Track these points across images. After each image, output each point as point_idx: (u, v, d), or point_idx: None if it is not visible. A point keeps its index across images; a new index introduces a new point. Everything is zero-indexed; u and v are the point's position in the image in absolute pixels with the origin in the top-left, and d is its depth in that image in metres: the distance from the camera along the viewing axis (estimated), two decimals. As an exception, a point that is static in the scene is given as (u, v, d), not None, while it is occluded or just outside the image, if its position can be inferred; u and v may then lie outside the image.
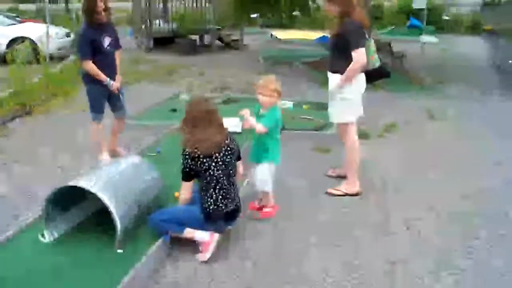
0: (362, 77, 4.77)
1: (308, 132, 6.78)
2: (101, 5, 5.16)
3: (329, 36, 5.08)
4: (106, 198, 3.50)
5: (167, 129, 6.58)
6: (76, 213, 4.04)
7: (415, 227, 4.33)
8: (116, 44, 5.55)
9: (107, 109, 5.69)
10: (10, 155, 6.04)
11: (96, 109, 5.54)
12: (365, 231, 4.25)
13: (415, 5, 15.47)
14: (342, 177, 5.20)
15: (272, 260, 3.77)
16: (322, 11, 13.69)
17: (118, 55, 5.63)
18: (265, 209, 4.44)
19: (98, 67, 5.28)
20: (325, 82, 4.90)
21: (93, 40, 5.22)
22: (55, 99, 8.74)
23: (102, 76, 5.32)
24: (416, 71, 12.31)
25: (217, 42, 17.83)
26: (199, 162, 3.66)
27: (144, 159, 4.49)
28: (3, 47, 13.00)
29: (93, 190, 3.53)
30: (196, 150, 3.65)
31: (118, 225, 3.51)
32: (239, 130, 6.71)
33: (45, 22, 12.67)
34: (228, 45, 17.79)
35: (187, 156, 3.69)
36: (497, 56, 15.07)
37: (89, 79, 5.37)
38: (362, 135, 6.32)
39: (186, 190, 3.83)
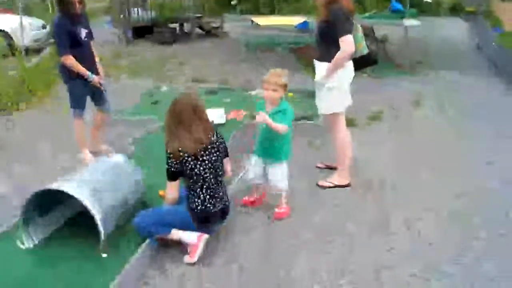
0: (350, 65, 4.62)
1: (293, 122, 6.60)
2: None
3: (315, 22, 4.90)
4: (88, 202, 3.33)
5: (150, 123, 6.40)
6: (56, 215, 3.87)
7: (410, 223, 4.23)
8: (90, 35, 5.33)
9: (89, 103, 5.48)
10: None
11: (78, 105, 5.31)
12: (357, 228, 4.13)
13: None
14: (332, 168, 5.08)
15: (262, 261, 3.63)
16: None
17: (93, 46, 5.42)
18: (278, 210, 4.28)
19: (78, 61, 5.06)
20: (309, 69, 4.74)
21: (70, 31, 5.00)
22: (31, 96, 8.44)
23: (84, 71, 5.11)
24: (399, 55, 12.23)
25: (198, 30, 17.55)
26: (184, 161, 3.50)
27: (127, 156, 4.32)
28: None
29: (74, 193, 3.35)
30: (180, 149, 3.48)
31: (102, 230, 3.35)
32: (223, 121, 6.58)
33: (17, 13, 12.28)
34: (209, 33, 17.53)
35: (171, 155, 3.51)
36: (480, 38, 15.03)
37: (69, 75, 5.14)
38: (349, 123, 6.21)
39: (172, 190, 3.66)
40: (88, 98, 5.43)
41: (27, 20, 12.93)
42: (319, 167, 5.27)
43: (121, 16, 16.16)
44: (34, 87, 8.61)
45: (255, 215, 4.29)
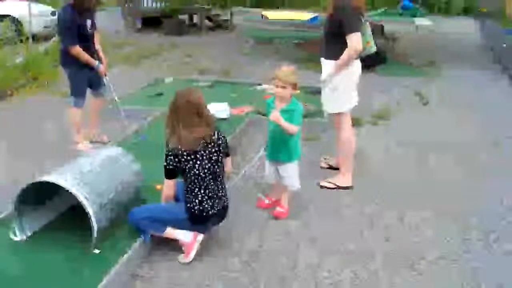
0: (357, 64, 4.51)
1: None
2: None
3: (322, 19, 4.79)
4: (81, 196, 3.24)
5: (152, 115, 6.32)
6: (51, 208, 3.77)
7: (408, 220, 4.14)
8: (94, 27, 5.41)
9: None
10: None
11: (79, 94, 5.38)
12: (358, 226, 4.05)
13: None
14: (334, 169, 4.99)
15: (260, 261, 3.54)
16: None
17: (97, 37, 5.51)
18: (279, 209, 4.19)
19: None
20: (316, 65, 4.64)
21: (79, 25, 5.09)
22: (35, 83, 8.38)
23: (91, 60, 5.25)
24: (409, 54, 12.09)
25: (207, 22, 17.47)
26: (182, 160, 3.39)
27: (126, 148, 4.23)
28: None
29: (67, 186, 3.27)
30: (179, 147, 3.38)
31: (95, 225, 3.26)
32: (226, 116, 6.48)
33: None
34: (218, 26, 17.44)
35: (170, 153, 3.41)
36: (490, 39, 14.86)
37: (71, 63, 5.21)
38: (355, 122, 6.12)
39: (169, 188, 3.57)
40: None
41: (36, 7, 12.89)
42: (321, 167, 5.17)
43: (130, 5, 16.12)
44: (39, 73, 8.55)
45: (253, 213, 4.20)
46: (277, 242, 3.79)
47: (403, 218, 4.21)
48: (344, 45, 4.25)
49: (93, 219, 3.25)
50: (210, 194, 3.49)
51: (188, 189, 3.47)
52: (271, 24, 18.23)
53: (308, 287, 3.28)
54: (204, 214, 3.48)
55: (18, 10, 12.84)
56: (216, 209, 3.52)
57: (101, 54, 5.48)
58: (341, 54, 4.29)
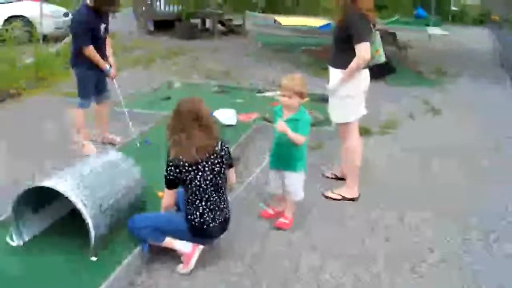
0: (365, 73, 4.43)
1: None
2: None
3: (333, 26, 4.72)
4: (80, 203, 3.19)
5: (158, 119, 6.27)
6: (49, 213, 3.73)
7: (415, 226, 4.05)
8: (107, 31, 5.43)
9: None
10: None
11: (87, 95, 5.41)
12: (364, 238, 3.97)
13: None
14: (339, 179, 4.91)
15: (259, 272, 3.47)
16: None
17: (109, 40, 5.52)
18: (282, 220, 4.10)
19: None
20: (325, 73, 4.58)
21: (93, 28, 5.13)
22: (44, 84, 8.38)
23: (103, 63, 5.26)
24: (420, 63, 11.97)
25: (219, 27, 17.45)
26: (183, 171, 3.31)
27: (130, 152, 4.18)
28: (-2, 26, 12.58)
29: (65, 192, 3.22)
30: (181, 158, 3.31)
31: (92, 232, 3.21)
32: (234, 122, 6.43)
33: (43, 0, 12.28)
34: (230, 30, 17.42)
35: (171, 164, 3.33)
36: (503, 48, 14.70)
37: (82, 64, 5.23)
38: (363, 132, 6.04)
39: (169, 198, 3.50)
40: None
41: (49, 8, 12.94)
42: (327, 177, 5.09)
43: (143, 7, 16.15)
44: (49, 74, 8.55)
45: (256, 224, 4.13)
46: (279, 253, 3.71)
47: (402, 218, 4.22)
48: (352, 54, 4.17)
49: (91, 226, 3.19)
50: (211, 207, 3.40)
51: (189, 200, 3.39)
52: (284, 30, 18.17)
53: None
54: (205, 226, 3.40)
55: (30, 10, 12.89)
56: (217, 221, 3.44)
57: (111, 58, 5.48)
58: (349, 63, 4.22)
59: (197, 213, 3.37)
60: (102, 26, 5.26)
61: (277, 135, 3.94)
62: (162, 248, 3.46)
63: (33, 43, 10.04)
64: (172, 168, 3.32)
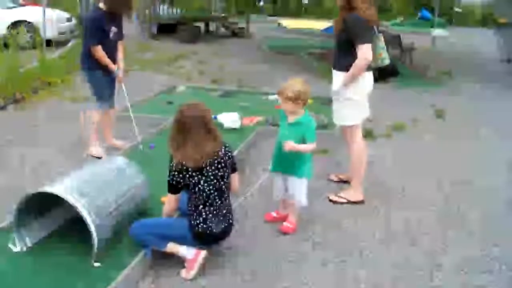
0: (369, 76, 4.40)
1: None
2: None
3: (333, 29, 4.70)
4: (82, 208, 3.16)
5: (162, 123, 6.25)
6: (52, 218, 3.70)
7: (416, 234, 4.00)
8: (120, 35, 5.43)
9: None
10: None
11: (103, 97, 5.42)
12: (369, 243, 3.93)
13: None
14: (345, 182, 4.87)
15: (265, 276, 3.43)
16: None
17: (121, 45, 5.50)
18: (286, 224, 4.06)
19: None
20: (329, 75, 4.56)
21: (104, 29, 5.13)
22: (48, 88, 8.37)
23: (112, 65, 5.26)
24: (425, 65, 11.93)
25: (223, 30, 17.46)
26: (187, 176, 3.28)
27: (134, 157, 4.16)
28: (2, 31, 12.56)
29: (68, 198, 3.19)
30: (184, 163, 3.28)
31: (95, 238, 3.18)
32: (237, 126, 6.40)
33: (47, 5, 12.28)
34: (234, 34, 17.42)
35: (174, 169, 3.30)
36: (509, 51, 14.61)
37: (93, 65, 5.23)
38: (367, 135, 6.02)
39: (171, 203, 3.47)
40: None
41: (53, 13, 12.95)
42: (332, 180, 5.06)
43: (146, 11, 16.16)
44: (50, 78, 8.55)
45: (260, 229, 4.09)
46: (284, 257, 3.67)
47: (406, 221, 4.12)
48: (354, 56, 4.16)
49: (93, 232, 3.17)
50: (215, 212, 3.37)
51: (193, 205, 3.36)
52: (288, 33, 18.18)
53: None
54: (208, 232, 3.36)
55: (34, 15, 12.90)
56: (220, 227, 3.41)
57: (121, 62, 5.46)
58: (351, 66, 4.20)
59: (201, 218, 3.34)
60: (113, 29, 5.23)
61: (280, 139, 3.91)
62: (165, 254, 3.42)
63: (36, 48, 10.04)
64: (176, 173, 3.29)
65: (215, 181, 3.34)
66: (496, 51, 15.54)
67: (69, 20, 14.13)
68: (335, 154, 5.68)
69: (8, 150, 5.60)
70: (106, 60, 5.18)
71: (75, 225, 3.53)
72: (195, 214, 3.36)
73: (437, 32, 15.17)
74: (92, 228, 3.17)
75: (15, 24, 12.64)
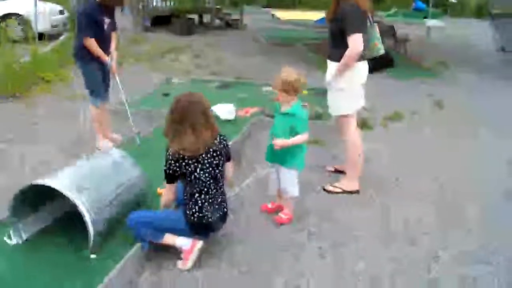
0: (363, 65, 4.39)
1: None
2: None
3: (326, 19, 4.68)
4: (78, 201, 3.15)
5: (158, 116, 6.22)
6: (49, 211, 3.69)
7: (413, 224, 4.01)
8: (113, 26, 5.40)
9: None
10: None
11: (97, 92, 5.39)
12: (365, 233, 3.94)
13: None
14: (341, 172, 4.87)
15: (262, 267, 3.44)
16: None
17: (114, 37, 5.47)
18: (281, 215, 4.06)
19: None
20: (325, 66, 4.55)
21: (97, 21, 5.10)
22: (42, 83, 8.31)
23: (104, 57, 5.22)
24: (420, 56, 11.92)
25: (217, 21, 17.40)
26: (183, 164, 3.28)
27: (130, 150, 4.14)
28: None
29: (64, 190, 3.18)
30: (181, 152, 3.27)
31: (91, 231, 3.17)
32: (232, 117, 6.39)
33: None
34: (228, 25, 17.36)
35: (170, 157, 3.30)
36: (504, 41, 14.61)
37: (86, 58, 5.19)
38: (363, 125, 6.02)
39: (169, 192, 3.47)
40: None
41: (45, 5, 12.84)
42: (328, 170, 5.06)
43: (140, 3, 16.07)
44: (44, 73, 8.49)
45: (256, 219, 4.09)
46: (280, 248, 3.68)
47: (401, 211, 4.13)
48: (346, 46, 4.15)
49: (89, 224, 3.16)
50: (210, 200, 3.38)
51: (188, 194, 3.37)
52: (282, 24, 18.13)
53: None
54: (204, 221, 3.38)
55: (25, 8, 12.76)
56: (216, 216, 3.43)
57: (114, 54, 5.42)
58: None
59: (196, 207, 3.35)
60: (107, 21, 5.21)
61: (273, 130, 3.93)
62: (162, 245, 3.42)
63: (28, 42, 9.94)
64: (172, 162, 3.29)
65: (210, 169, 3.35)
66: (491, 42, 15.53)
67: (61, 12, 14.00)
68: (330, 145, 5.67)
69: (9, 148, 5.54)
70: (99, 52, 5.14)
71: (71, 218, 3.53)
72: (190, 203, 3.36)
73: (432, 22, 15.15)
74: (89, 221, 3.16)
75: (5, 17, 12.51)
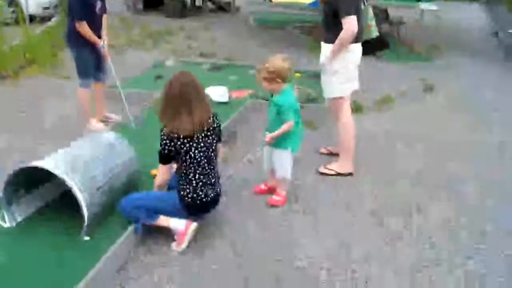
0: (357, 48, 4.38)
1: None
2: None
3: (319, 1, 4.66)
4: (72, 182, 3.15)
5: (151, 98, 6.20)
6: (42, 194, 3.69)
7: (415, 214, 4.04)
8: (104, 9, 5.39)
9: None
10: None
11: (86, 75, 5.37)
12: (359, 213, 3.98)
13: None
14: (335, 155, 4.88)
15: (255, 249, 3.46)
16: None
17: (105, 19, 5.45)
18: (275, 197, 4.08)
19: None
20: (318, 49, 4.54)
21: (89, 4, 5.08)
22: (33, 65, 8.23)
23: (97, 40, 5.20)
24: (413, 39, 11.88)
25: (209, 4, 17.25)
26: (178, 143, 3.28)
27: (122, 133, 4.13)
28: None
29: (57, 172, 3.17)
30: (176, 131, 3.27)
31: (85, 212, 3.18)
32: (225, 100, 6.37)
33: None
34: (220, 8, 17.22)
35: (165, 137, 3.30)
36: (497, 25, 14.60)
37: (78, 42, 5.16)
38: (356, 108, 6.02)
39: (163, 174, 3.47)
40: None
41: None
42: (322, 153, 5.06)
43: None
44: (36, 56, 8.40)
45: (249, 200, 4.11)
46: (274, 230, 3.70)
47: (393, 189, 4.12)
48: (340, 29, 4.13)
49: (83, 205, 3.17)
50: (204, 180, 3.39)
51: (183, 174, 3.38)
52: (274, 7, 17.98)
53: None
54: (198, 202, 3.39)
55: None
56: (209, 196, 3.44)
57: (105, 37, 5.41)
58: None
59: (191, 187, 3.36)
60: (98, 4, 5.20)
61: (268, 113, 3.95)
62: (155, 227, 3.43)
63: (20, 24, 9.81)
64: (167, 142, 3.29)
65: (205, 148, 3.36)
66: (485, 26, 15.51)
67: (53, -6, 13.81)
68: (323, 128, 5.68)
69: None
70: (91, 35, 5.12)
71: (65, 201, 3.53)
72: (185, 184, 3.37)
73: (425, 5, 15.05)
74: (83, 203, 3.16)
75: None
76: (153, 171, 3.96)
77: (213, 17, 15.26)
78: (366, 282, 3.18)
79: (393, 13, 12.31)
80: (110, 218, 3.53)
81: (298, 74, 7.58)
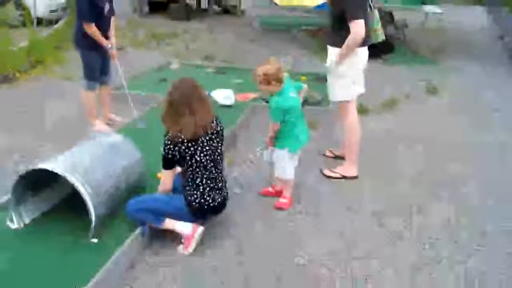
0: (363, 51, 4.39)
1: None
2: None
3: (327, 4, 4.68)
4: (79, 184, 3.17)
5: (156, 101, 6.23)
6: (49, 195, 3.71)
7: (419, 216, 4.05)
8: (112, 11, 5.43)
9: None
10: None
11: (92, 77, 5.41)
12: (364, 216, 3.99)
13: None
14: (340, 158, 4.90)
15: (262, 251, 3.48)
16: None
17: (113, 21, 5.49)
18: (281, 200, 4.10)
19: None
20: (323, 52, 4.56)
21: (98, 6, 5.11)
22: (39, 66, 8.29)
23: (105, 41, 5.24)
24: (418, 42, 11.90)
25: (215, 7, 17.31)
26: (183, 148, 3.29)
27: (127, 135, 4.16)
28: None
29: (64, 174, 3.20)
30: (180, 135, 3.28)
31: (93, 213, 3.20)
32: (230, 102, 6.40)
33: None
34: (226, 11, 17.28)
35: (169, 142, 3.30)
36: (501, 29, 14.59)
37: (86, 43, 5.20)
38: (362, 111, 6.04)
39: (167, 180, 3.47)
40: None
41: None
42: (327, 156, 5.08)
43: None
44: (41, 57, 8.46)
45: (255, 204, 4.13)
46: (281, 233, 3.72)
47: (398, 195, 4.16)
48: (348, 32, 4.14)
49: (91, 207, 3.19)
50: (211, 185, 3.41)
51: (189, 179, 3.38)
52: (281, 10, 18.02)
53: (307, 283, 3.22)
54: (206, 207, 3.40)
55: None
56: (216, 201, 3.45)
57: (113, 38, 5.46)
58: (345, 41, 4.19)
59: (198, 193, 3.37)
60: (107, 5, 5.24)
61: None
62: (163, 230, 3.45)
63: (27, 27, 9.88)
64: (171, 146, 3.30)
65: (210, 151, 3.37)
66: (490, 29, 15.51)
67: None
68: (328, 130, 5.70)
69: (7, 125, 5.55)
70: (100, 37, 5.16)
71: (72, 202, 3.55)
72: (192, 189, 3.38)
73: (430, 8, 15.07)
74: (90, 205, 3.18)
75: (3, 2, 12.43)
76: (159, 174, 3.98)
77: (218, 20, 15.32)
78: (366, 279, 3.21)
79: (397, 16, 12.32)
80: (117, 220, 3.55)
81: (303, 77, 7.61)
